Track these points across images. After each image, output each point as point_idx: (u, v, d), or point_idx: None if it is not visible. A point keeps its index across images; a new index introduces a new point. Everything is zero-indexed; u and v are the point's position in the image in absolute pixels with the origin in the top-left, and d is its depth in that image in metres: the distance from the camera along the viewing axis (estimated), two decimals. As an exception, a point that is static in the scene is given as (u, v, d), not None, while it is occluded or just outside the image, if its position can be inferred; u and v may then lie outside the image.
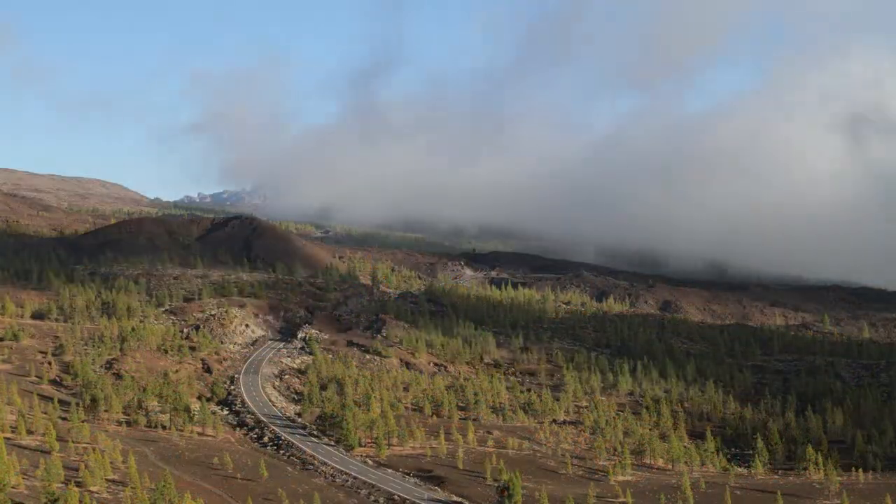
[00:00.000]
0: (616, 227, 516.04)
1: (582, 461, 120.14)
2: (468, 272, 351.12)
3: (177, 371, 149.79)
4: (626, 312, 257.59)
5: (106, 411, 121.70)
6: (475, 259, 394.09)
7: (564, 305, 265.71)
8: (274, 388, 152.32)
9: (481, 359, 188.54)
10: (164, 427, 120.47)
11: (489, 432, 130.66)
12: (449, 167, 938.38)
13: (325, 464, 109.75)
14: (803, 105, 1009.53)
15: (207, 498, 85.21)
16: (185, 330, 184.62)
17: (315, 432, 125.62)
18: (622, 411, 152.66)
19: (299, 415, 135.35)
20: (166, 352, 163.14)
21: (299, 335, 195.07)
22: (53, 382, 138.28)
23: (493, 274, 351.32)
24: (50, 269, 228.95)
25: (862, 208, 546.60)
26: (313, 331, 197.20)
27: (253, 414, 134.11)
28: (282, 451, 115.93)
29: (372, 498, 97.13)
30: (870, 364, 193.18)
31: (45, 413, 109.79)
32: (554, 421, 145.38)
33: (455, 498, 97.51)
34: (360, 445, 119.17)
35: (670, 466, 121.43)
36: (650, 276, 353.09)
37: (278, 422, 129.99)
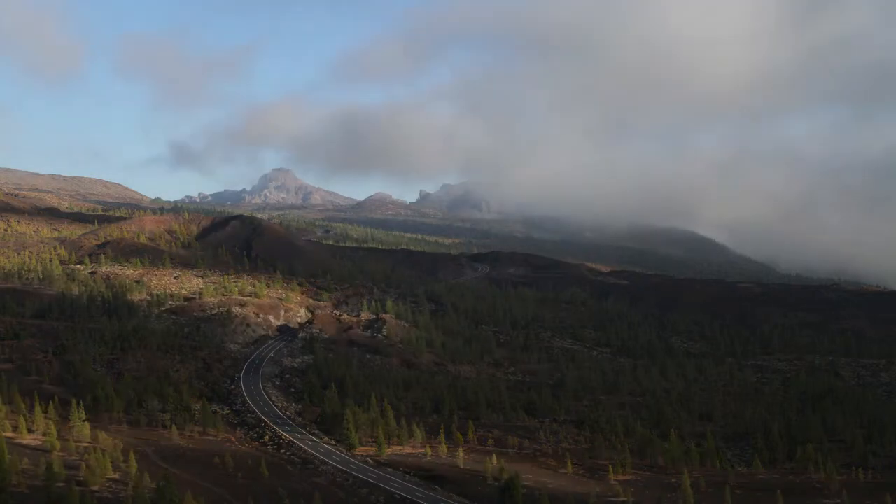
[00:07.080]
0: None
1: (582, 461, 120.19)
2: (468, 272, 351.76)
3: (178, 370, 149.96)
4: (626, 312, 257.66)
5: (107, 410, 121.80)
6: (475, 258, 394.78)
7: (564, 305, 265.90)
8: (275, 387, 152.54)
9: (481, 358, 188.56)
10: (165, 426, 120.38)
11: (489, 432, 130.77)
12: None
13: (325, 463, 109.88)
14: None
15: (208, 497, 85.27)
16: (186, 329, 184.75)
17: (315, 431, 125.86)
18: (622, 411, 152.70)
19: (300, 414, 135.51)
20: (167, 351, 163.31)
21: (300, 335, 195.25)
22: (54, 381, 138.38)
23: (494, 273, 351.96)
24: (51, 269, 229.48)
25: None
26: (314, 330, 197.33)
27: (254, 413, 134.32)
28: (282, 451, 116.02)
29: (372, 497, 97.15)
30: (870, 363, 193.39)
31: (46, 412, 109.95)
32: (554, 420, 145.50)
33: (455, 498, 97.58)
34: (361, 445, 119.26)
35: (670, 466, 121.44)
36: (651, 275, 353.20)
37: (279, 421, 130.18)
